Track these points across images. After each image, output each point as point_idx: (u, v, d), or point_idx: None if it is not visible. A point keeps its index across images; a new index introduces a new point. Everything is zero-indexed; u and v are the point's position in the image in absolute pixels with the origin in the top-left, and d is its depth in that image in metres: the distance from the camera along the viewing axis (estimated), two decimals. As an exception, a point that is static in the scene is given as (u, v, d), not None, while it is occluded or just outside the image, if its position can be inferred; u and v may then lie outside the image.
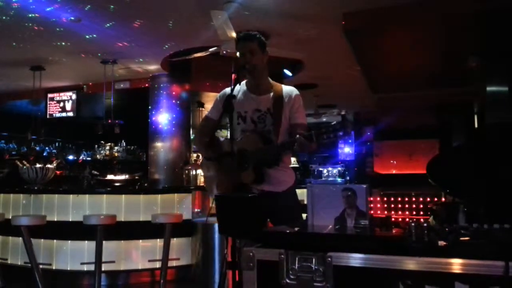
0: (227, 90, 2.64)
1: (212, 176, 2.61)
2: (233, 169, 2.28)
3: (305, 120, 2.56)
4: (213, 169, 2.60)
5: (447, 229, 1.63)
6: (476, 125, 7.94)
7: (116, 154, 8.92)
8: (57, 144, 10.42)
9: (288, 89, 2.58)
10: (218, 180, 2.54)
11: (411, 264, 1.41)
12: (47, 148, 9.72)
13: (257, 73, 2.53)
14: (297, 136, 2.17)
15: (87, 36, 5.33)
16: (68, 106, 7.33)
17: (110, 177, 6.53)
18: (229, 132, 2.27)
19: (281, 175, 2.52)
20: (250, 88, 2.58)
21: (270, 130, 2.48)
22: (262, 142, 2.43)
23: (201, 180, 6.18)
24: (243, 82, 2.61)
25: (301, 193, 2.87)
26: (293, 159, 8.99)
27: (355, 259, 1.48)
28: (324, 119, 9.56)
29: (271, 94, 2.54)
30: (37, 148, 9.25)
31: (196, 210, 5.19)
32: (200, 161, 6.76)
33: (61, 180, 7.10)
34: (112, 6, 4.50)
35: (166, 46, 5.71)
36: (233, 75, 2.40)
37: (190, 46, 5.54)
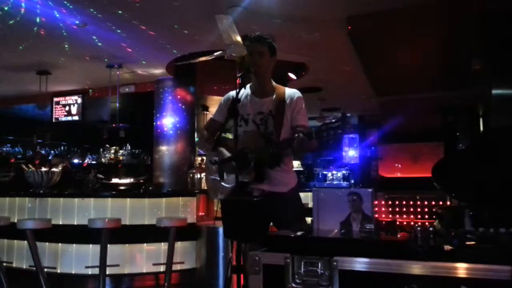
0: (231, 93, 2.66)
1: (216, 180, 2.62)
2: (234, 169, 2.27)
3: (307, 122, 2.57)
4: (216, 173, 2.61)
5: (453, 233, 1.63)
6: (481, 128, 7.92)
7: (121, 158, 8.94)
8: (62, 148, 10.47)
9: (290, 92, 2.60)
10: (221, 183, 2.55)
11: (416, 268, 1.41)
12: (52, 151, 9.76)
13: (261, 76, 2.55)
14: (297, 134, 2.18)
15: (92, 41, 5.36)
16: (74, 110, 7.37)
17: (115, 180, 6.56)
18: (233, 135, 2.28)
19: (282, 176, 2.53)
20: (254, 91, 2.60)
21: (272, 132, 2.50)
22: (264, 141, 2.44)
23: (205, 184, 6.19)
24: (248, 85, 2.63)
25: (306, 197, 2.87)
26: (297, 163, 8.97)
27: (361, 263, 1.48)
28: (326, 121, 9.55)
29: (274, 96, 2.56)
30: (43, 152, 9.29)
31: (200, 213, 5.19)
32: (205, 165, 6.77)
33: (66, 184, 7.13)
34: (117, 11, 4.53)
35: (173, 51, 5.73)
36: (238, 79, 2.41)
37: (195, 50, 5.56)
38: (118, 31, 5.05)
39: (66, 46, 5.58)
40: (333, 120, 2.12)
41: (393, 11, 4.47)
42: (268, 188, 2.46)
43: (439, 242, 1.52)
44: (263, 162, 2.43)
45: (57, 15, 4.62)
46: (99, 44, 5.46)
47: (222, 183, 2.54)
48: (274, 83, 2.62)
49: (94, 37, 5.26)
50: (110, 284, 4.71)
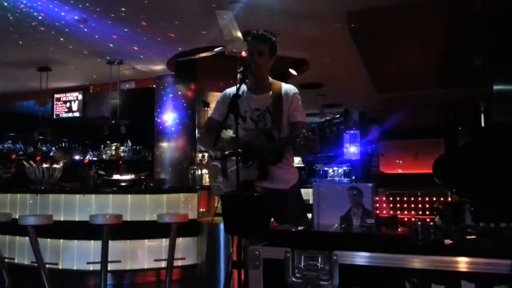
0: (228, 91, 2.66)
1: (218, 176, 2.62)
2: (237, 167, 2.28)
3: (305, 119, 2.56)
4: (218, 169, 2.62)
5: (453, 228, 1.63)
6: (482, 124, 7.92)
7: (122, 154, 8.95)
8: (63, 144, 10.48)
9: (287, 88, 2.58)
10: (223, 179, 2.55)
11: (417, 262, 1.41)
12: (53, 148, 9.77)
13: (259, 74, 2.54)
14: (302, 130, 2.17)
15: (93, 37, 5.35)
16: (75, 106, 7.38)
17: (116, 177, 6.56)
18: (233, 132, 2.28)
19: (284, 173, 2.53)
20: (250, 88, 2.60)
21: (271, 128, 2.49)
22: (266, 138, 2.43)
23: (206, 180, 6.20)
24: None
25: (307, 193, 2.87)
26: (298, 159, 8.97)
27: (361, 258, 1.48)
28: (328, 118, 9.55)
29: (270, 92, 2.55)
30: (44, 148, 9.30)
31: (201, 209, 5.20)
32: (206, 160, 6.77)
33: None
34: (118, 7, 4.52)
35: (173, 47, 5.72)
36: (238, 75, 2.41)
37: (195, 46, 5.55)
38: (119, 27, 5.04)
39: (67, 42, 5.57)
40: (336, 116, 2.09)
41: (394, 7, 4.46)
42: (269, 185, 2.47)
43: (439, 236, 1.52)
44: (266, 160, 2.43)
45: (58, 11, 4.61)
46: (100, 40, 5.46)
47: (224, 180, 2.54)
48: (270, 79, 2.61)
49: (94, 33, 5.26)
50: (111, 280, 4.72)
